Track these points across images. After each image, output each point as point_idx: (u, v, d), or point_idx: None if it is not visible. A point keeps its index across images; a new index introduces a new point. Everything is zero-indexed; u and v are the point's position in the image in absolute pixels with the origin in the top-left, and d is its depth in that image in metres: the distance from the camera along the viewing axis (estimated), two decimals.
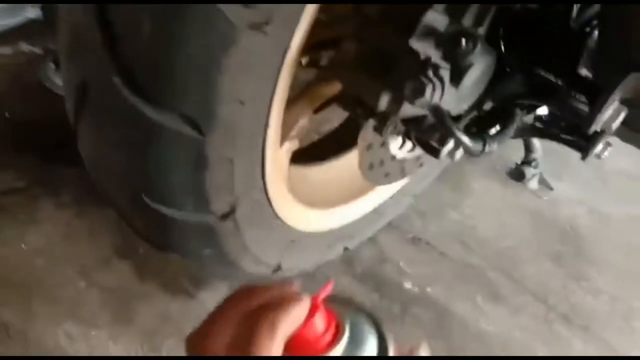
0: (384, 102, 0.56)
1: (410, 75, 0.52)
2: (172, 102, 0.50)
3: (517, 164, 1.55)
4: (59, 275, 1.09)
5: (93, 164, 0.62)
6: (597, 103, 0.55)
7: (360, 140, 0.71)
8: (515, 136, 0.85)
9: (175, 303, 1.09)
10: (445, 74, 0.53)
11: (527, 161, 1.53)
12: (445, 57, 0.50)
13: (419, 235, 1.35)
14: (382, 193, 1.05)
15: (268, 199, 0.70)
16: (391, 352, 0.36)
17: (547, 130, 0.87)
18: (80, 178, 1.24)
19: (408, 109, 0.57)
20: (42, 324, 1.02)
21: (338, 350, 0.35)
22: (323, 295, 0.36)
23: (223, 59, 0.48)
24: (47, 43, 1.51)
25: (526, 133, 0.88)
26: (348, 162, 1.01)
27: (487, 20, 0.55)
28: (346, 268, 1.21)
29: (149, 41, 0.48)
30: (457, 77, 0.54)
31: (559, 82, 0.59)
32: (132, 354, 1.00)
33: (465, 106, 0.61)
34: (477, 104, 0.64)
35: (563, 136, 0.86)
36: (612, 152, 0.84)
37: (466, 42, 0.50)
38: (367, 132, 0.70)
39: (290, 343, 0.35)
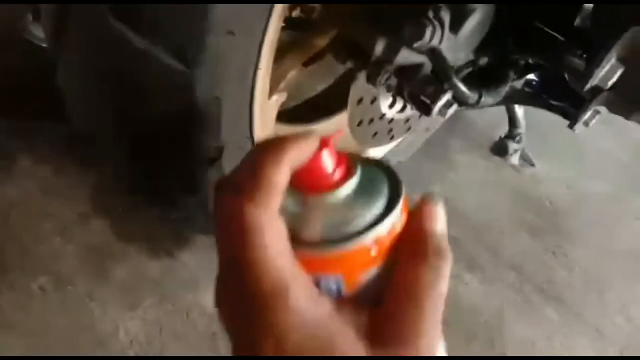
0: (380, 47, 0.54)
1: (410, 17, 0.51)
2: (158, 30, 0.47)
3: (500, 137, 1.56)
4: (35, 230, 1.06)
5: (73, 97, 0.59)
6: (595, 58, 0.54)
7: (351, 93, 0.70)
8: (506, 102, 0.85)
9: (155, 262, 1.07)
10: (446, 17, 0.52)
11: (510, 136, 1.54)
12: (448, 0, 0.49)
13: None
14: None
15: None
16: (402, 200, 0.34)
17: (537, 96, 0.87)
18: (59, 134, 1.21)
19: (404, 57, 0.56)
20: (16, 277, 1.00)
21: (347, 189, 0.33)
22: (334, 137, 0.34)
23: None
24: None
25: (516, 99, 0.88)
26: (335, 127, 1.00)
27: None
28: None
29: None
30: (457, 23, 0.52)
31: (557, 36, 0.58)
32: (109, 311, 0.99)
33: (462, 56, 0.60)
34: (474, 57, 0.63)
35: (552, 102, 0.86)
36: (592, 131, 0.85)
37: None
38: (359, 85, 0.68)
39: (297, 177, 0.33)
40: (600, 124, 0.83)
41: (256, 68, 0.57)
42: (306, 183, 0.33)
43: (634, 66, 0.57)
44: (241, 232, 0.29)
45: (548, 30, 0.59)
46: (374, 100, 0.76)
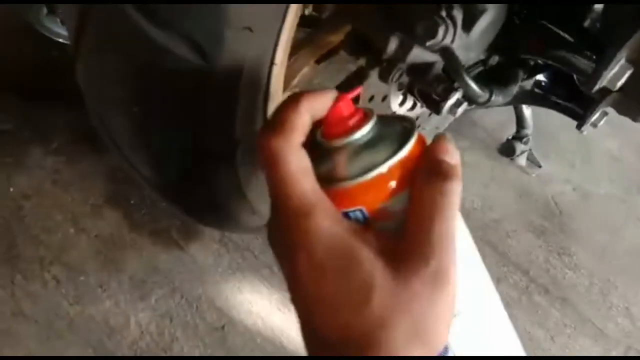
0: (393, 44, 0.55)
1: (423, 16, 0.52)
2: (177, 23, 0.49)
3: (508, 138, 1.57)
4: (47, 221, 1.08)
5: (92, 92, 0.60)
6: (604, 59, 0.55)
7: (363, 91, 0.71)
8: (514, 102, 0.86)
9: (165, 254, 1.09)
10: (459, 16, 0.53)
11: (518, 137, 1.55)
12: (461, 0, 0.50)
13: None
14: None
15: None
16: (414, 136, 0.38)
17: (546, 97, 0.87)
18: (71, 125, 1.23)
19: (416, 55, 0.57)
20: (28, 267, 1.01)
21: (363, 131, 0.38)
22: (352, 92, 0.39)
23: None
24: None
25: (524, 99, 0.89)
26: None
27: None
28: None
29: None
30: (469, 22, 0.54)
31: (566, 37, 0.59)
32: (121, 302, 1.00)
33: (473, 55, 0.61)
34: (485, 56, 0.64)
35: (561, 103, 0.87)
36: (598, 132, 0.85)
37: None
38: (371, 83, 0.69)
39: (322, 129, 0.39)
40: (606, 125, 0.84)
41: (272, 64, 0.58)
42: (329, 131, 0.39)
43: None
44: (268, 159, 0.36)
45: (557, 31, 0.60)
46: (384, 98, 0.78)
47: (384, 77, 0.64)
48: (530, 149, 1.57)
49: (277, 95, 0.67)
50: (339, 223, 0.36)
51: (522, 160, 1.58)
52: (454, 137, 0.40)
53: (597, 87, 0.59)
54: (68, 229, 1.08)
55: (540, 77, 0.86)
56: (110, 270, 1.04)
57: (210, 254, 1.11)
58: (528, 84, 0.86)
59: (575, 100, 0.84)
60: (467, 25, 0.54)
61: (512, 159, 1.58)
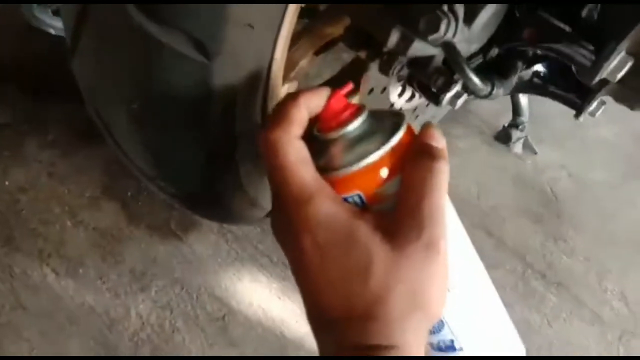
0: (394, 38, 0.55)
1: (425, 9, 0.51)
2: (178, 20, 0.48)
3: (504, 125, 1.57)
4: (44, 213, 1.08)
5: (90, 86, 0.60)
6: (604, 51, 0.55)
7: (362, 83, 0.70)
8: (515, 91, 0.86)
9: (164, 245, 1.09)
10: (460, 10, 0.52)
11: (514, 124, 1.55)
12: None
13: None
14: None
15: None
16: (403, 126, 0.42)
17: (544, 86, 0.87)
18: (67, 118, 1.22)
19: (417, 48, 0.57)
20: (27, 261, 1.01)
21: (356, 123, 0.41)
22: (343, 89, 0.43)
23: None
24: None
25: (523, 89, 0.88)
26: None
27: None
28: None
29: None
30: (471, 16, 0.53)
31: (566, 29, 0.59)
32: (121, 294, 1.01)
33: (474, 47, 0.61)
34: (485, 49, 0.64)
35: (559, 93, 0.87)
36: (594, 120, 0.86)
37: None
38: (371, 75, 0.69)
39: (318, 123, 0.42)
40: (602, 113, 0.84)
41: (272, 59, 0.58)
42: (325, 125, 0.42)
43: None
44: (269, 150, 0.39)
45: (556, 23, 0.59)
46: (383, 90, 0.77)
47: (384, 70, 0.64)
48: (526, 136, 1.58)
49: (276, 89, 0.66)
50: (339, 205, 0.39)
51: (518, 148, 1.59)
52: (450, 124, 0.43)
53: (597, 79, 0.59)
54: (65, 221, 1.07)
55: (538, 67, 0.86)
56: (109, 262, 1.04)
57: (209, 244, 1.11)
58: (527, 74, 0.86)
59: (574, 89, 0.84)
60: (469, 19, 0.54)
61: (508, 146, 1.58)
